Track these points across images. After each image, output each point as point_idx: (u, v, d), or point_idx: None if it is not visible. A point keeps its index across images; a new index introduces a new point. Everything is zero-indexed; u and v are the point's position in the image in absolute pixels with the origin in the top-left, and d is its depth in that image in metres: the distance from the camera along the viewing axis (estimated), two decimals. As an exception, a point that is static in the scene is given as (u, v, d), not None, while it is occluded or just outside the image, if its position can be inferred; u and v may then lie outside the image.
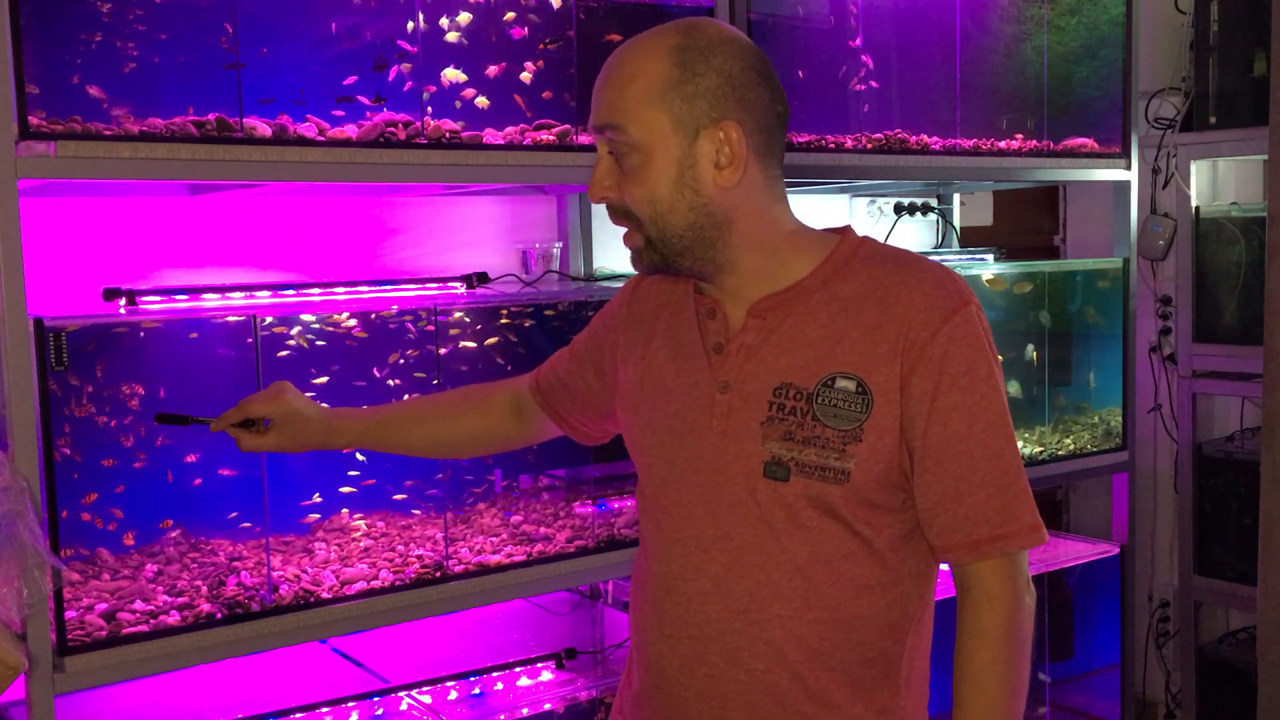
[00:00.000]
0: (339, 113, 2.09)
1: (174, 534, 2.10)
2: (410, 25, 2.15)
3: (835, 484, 1.37)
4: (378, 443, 1.81)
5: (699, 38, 1.38)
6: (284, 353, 2.14)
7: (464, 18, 2.21)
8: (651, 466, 1.50)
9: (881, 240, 1.53)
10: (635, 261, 1.46)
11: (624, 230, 1.44)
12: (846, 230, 1.48)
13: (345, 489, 2.26)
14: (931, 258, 1.72)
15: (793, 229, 1.46)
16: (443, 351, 2.29)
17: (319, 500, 2.24)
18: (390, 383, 2.27)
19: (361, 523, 2.27)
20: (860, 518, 1.39)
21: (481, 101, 2.23)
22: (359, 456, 2.26)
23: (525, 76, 2.29)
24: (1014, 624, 1.39)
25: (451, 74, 2.19)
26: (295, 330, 2.15)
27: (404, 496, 2.31)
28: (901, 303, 1.38)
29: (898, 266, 1.42)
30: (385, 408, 1.87)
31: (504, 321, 2.39)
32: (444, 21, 2.18)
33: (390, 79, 2.13)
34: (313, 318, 2.18)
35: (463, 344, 2.33)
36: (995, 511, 1.38)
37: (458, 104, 2.21)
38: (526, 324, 2.42)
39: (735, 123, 1.37)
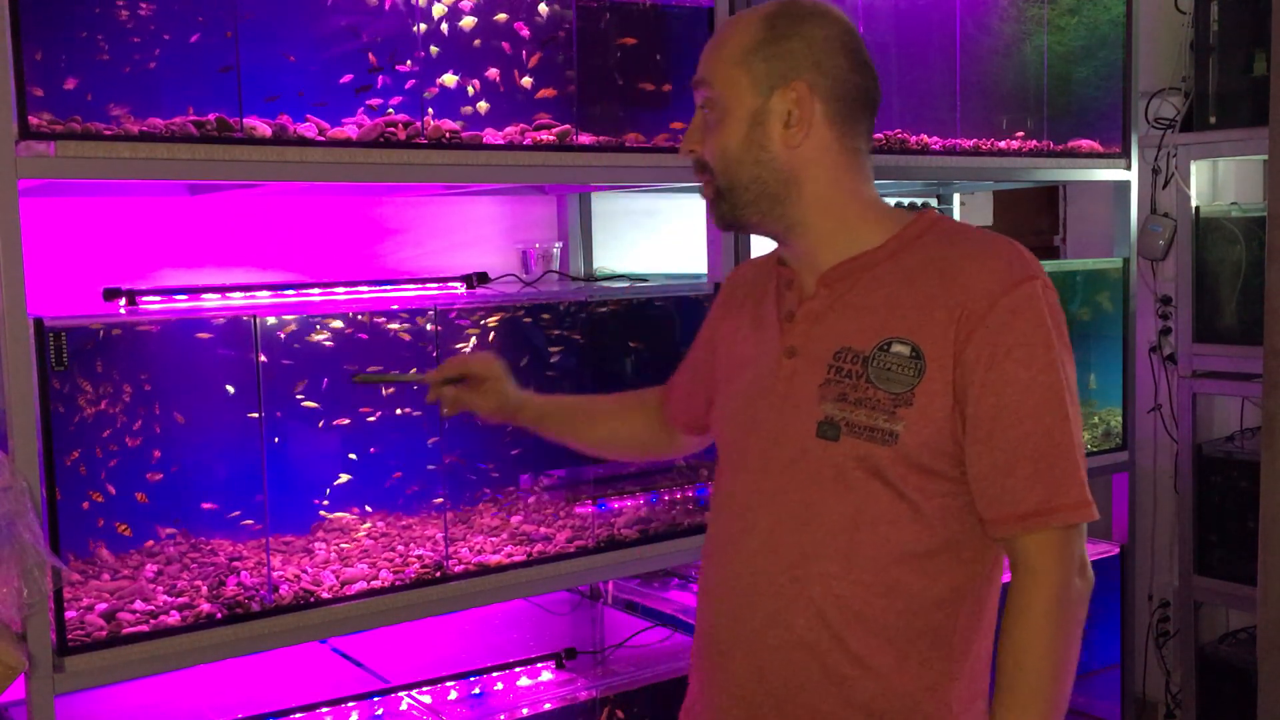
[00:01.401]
0: (361, 108, 2.09)
1: (175, 534, 2.10)
2: (421, 27, 2.15)
3: (883, 445, 1.40)
4: (550, 429, 1.93)
5: (794, 7, 1.48)
6: (288, 359, 2.14)
7: (468, 22, 2.21)
8: (723, 433, 1.58)
9: None
10: (710, 215, 1.54)
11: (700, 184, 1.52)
12: (926, 210, 1.52)
13: (344, 477, 2.27)
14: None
15: (868, 202, 1.51)
16: (459, 346, 2.30)
17: (327, 502, 2.24)
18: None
19: (366, 527, 2.27)
20: (908, 481, 1.41)
21: (482, 106, 2.23)
22: (350, 456, 2.26)
23: (526, 81, 2.29)
24: (1060, 604, 1.38)
25: (450, 79, 2.20)
26: (293, 330, 2.15)
27: (416, 483, 2.31)
28: (964, 273, 1.40)
29: (965, 240, 1.46)
30: (561, 398, 2.00)
31: (548, 320, 2.39)
32: (444, 27, 2.18)
33: (379, 85, 2.13)
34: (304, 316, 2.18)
35: (466, 344, 2.33)
36: (1043, 485, 1.38)
37: (468, 109, 2.21)
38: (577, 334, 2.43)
39: (805, 83, 1.44)
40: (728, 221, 1.52)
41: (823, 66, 1.44)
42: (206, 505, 2.11)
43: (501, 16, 2.25)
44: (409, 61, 2.15)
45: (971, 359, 1.38)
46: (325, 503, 2.25)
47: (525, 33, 2.28)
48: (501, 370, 1.87)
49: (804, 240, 1.50)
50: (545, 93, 2.32)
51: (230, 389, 2.08)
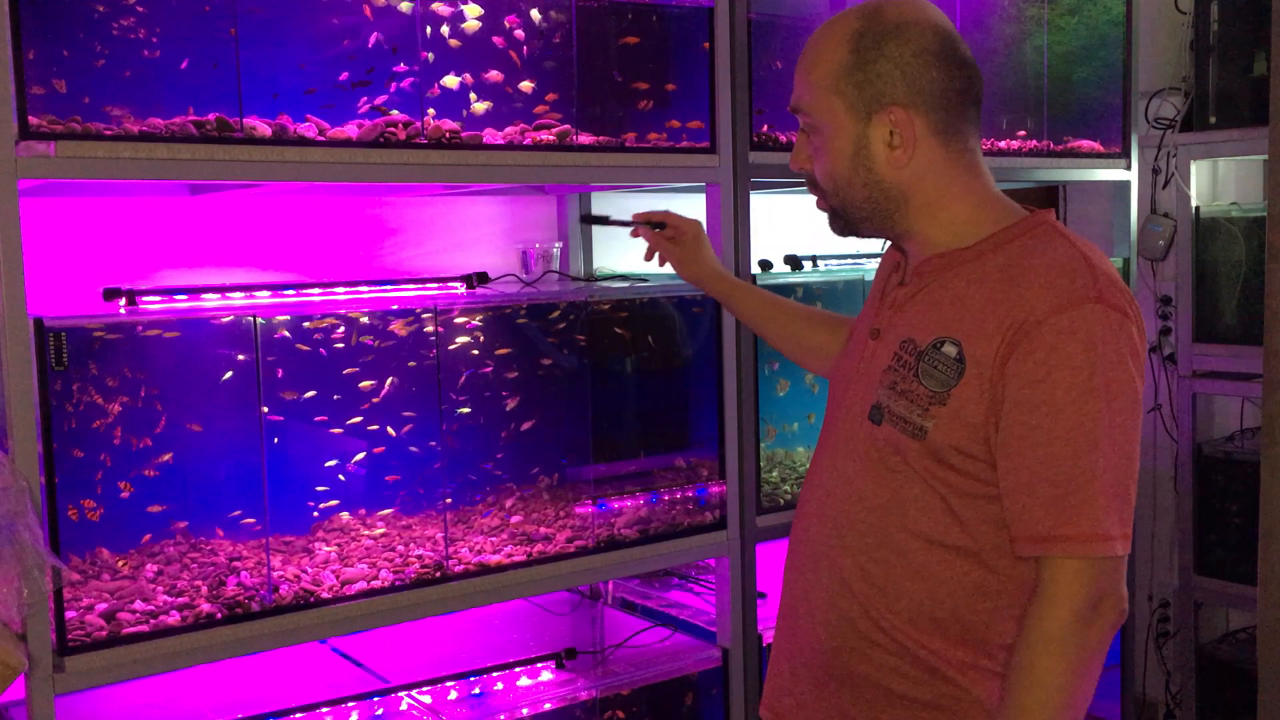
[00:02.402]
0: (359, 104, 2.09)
1: (176, 532, 2.10)
2: (427, 30, 2.15)
3: (912, 438, 1.44)
4: (741, 310, 2.09)
5: (876, 24, 1.46)
6: (277, 354, 2.14)
7: (471, 25, 2.21)
8: (828, 401, 1.66)
9: None
10: (830, 225, 1.60)
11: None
12: (1038, 212, 1.51)
13: (341, 476, 2.27)
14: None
15: (981, 200, 1.51)
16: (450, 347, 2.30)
17: (334, 502, 2.24)
18: (390, 382, 2.27)
19: (379, 533, 2.27)
20: (935, 475, 1.44)
21: (478, 107, 2.23)
22: (352, 461, 2.26)
23: (526, 86, 2.29)
24: (1067, 633, 1.36)
25: (452, 81, 2.19)
26: (292, 329, 2.15)
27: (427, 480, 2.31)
28: (1027, 285, 1.40)
29: (1045, 250, 1.44)
30: (759, 288, 2.10)
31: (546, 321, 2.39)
32: (445, 29, 2.18)
33: (365, 99, 2.12)
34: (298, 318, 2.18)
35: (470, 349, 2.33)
36: (1056, 511, 1.37)
37: (468, 112, 2.21)
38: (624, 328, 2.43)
39: (902, 107, 1.45)
40: (845, 233, 1.58)
41: (916, 84, 1.45)
42: (206, 505, 2.11)
43: (488, 17, 2.25)
44: (408, 63, 2.15)
45: (1013, 372, 1.38)
46: (326, 505, 2.25)
47: (526, 33, 2.28)
48: (701, 233, 2.10)
49: (914, 241, 1.54)
50: (547, 98, 2.32)
51: (227, 378, 2.08)
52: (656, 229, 2.12)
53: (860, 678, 1.50)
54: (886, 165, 1.48)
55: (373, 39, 2.12)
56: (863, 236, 1.59)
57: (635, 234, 2.15)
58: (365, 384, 2.24)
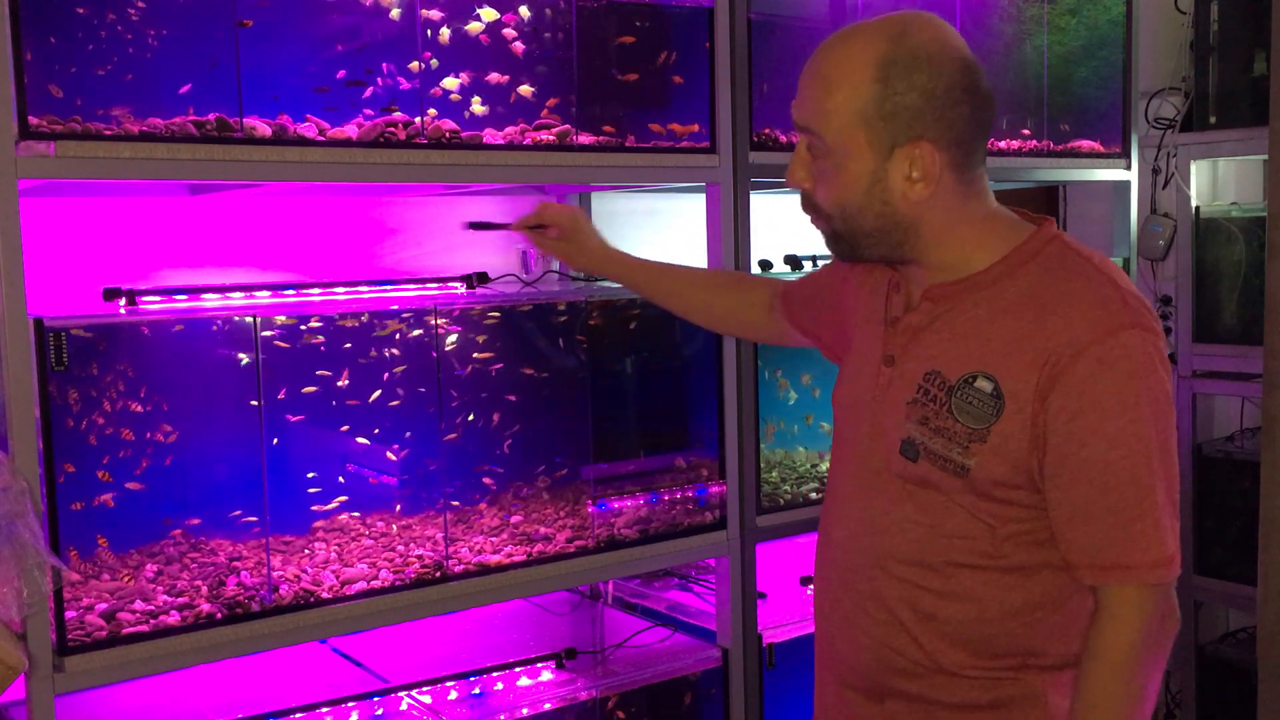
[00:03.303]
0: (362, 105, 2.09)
1: (175, 533, 2.10)
2: (430, 32, 2.14)
3: (954, 476, 1.41)
4: (641, 286, 2.02)
5: (905, 50, 1.37)
6: (272, 349, 2.14)
7: (474, 27, 2.21)
8: (836, 415, 1.63)
9: None
10: (829, 246, 1.53)
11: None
12: (1044, 224, 1.48)
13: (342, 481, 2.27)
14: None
15: (984, 220, 1.47)
16: (447, 349, 2.30)
17: (338, 502, 2.24)
18: (392, 384, 2.27)
19: (380, 526, 2.27)
20: (980, 508, 1.42)
21: (478, 109, 2.23)
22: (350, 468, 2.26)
23: (526, 90, 2.29)
24: (1138, 651, 1.38)
25: (452, 83, 2.19)
26: (292, 329, 2.15)
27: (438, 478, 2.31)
28: (1058, 314, 1.37)
29: (1069, 275, 1.41)
30: (654, 261, 2.03)
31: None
32: (445, 32, 2.18)
33: (366, 95, 2.12)
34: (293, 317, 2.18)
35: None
36: (1120, 541, 1.36)
37: (467, 114, 2.21)
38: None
39: (930, 142, 1.39)
40: (846, 258, 1.53)
41: (946, 119, 1.38)
42: (207, 505, 2.11)
43: (500, 18, 2.25)
44: (408, 63, 2.15)
45: (1056, 407, 1.35)
46: (324, 506, 2.25)
47: (526, 33, 2.28)
48: (580, 222, 2.00)
49: (919, 267, 1.49)
50: (549, 102, 2.32)
51: (227, 378, 2.07)
52: (537, 229, 2.03)
53: (914, 695, 1.50)
54: (902, 199, 1.41)
55: (373, 39, 2.13)
56: (863, 260, 1.53)
57: (517, 230, 2.05)
58: (363, 380, 2.24)
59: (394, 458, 2.31)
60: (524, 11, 2.27)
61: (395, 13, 2.13)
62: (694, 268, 2.07)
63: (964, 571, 1.44)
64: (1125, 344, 1.35)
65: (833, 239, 1.50)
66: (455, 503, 2.34)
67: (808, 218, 1.53)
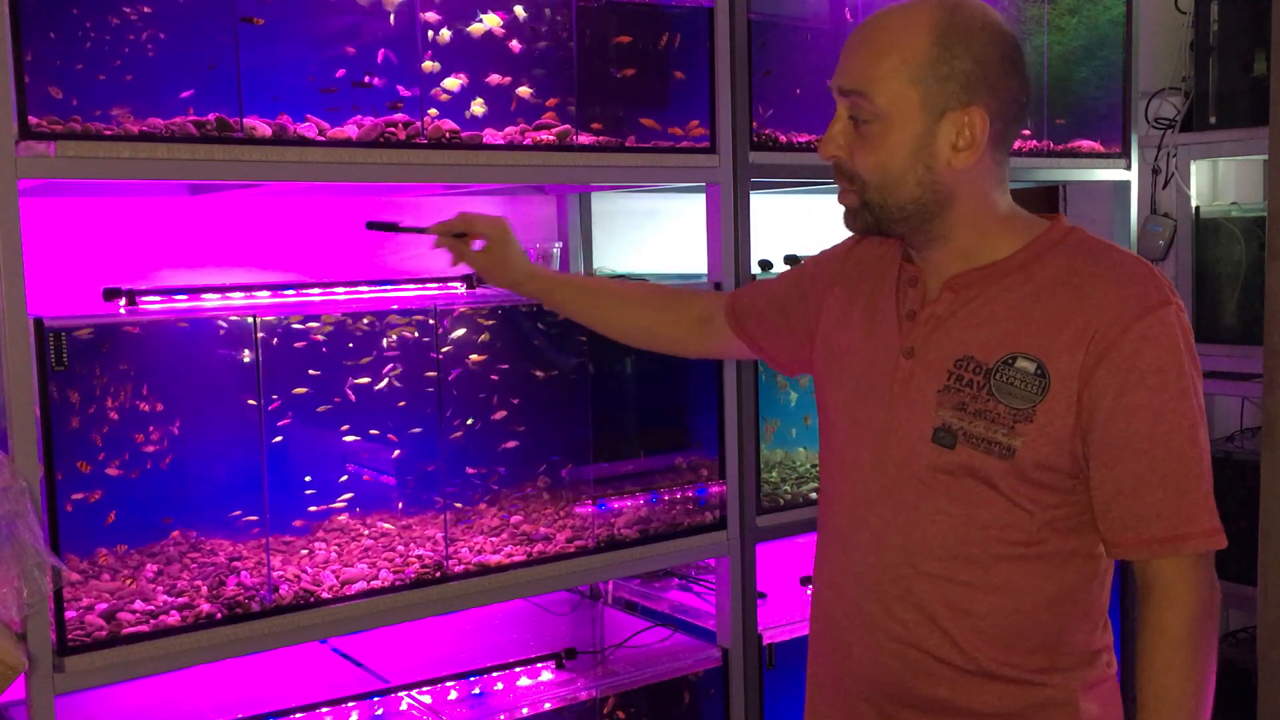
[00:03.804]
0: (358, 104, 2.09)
1: (175, 533, 2.10)
2: (431, 34, 2.14)
3: (999, 459, 1.40)
4: (563, 304, 1.96)
5: (962, 19, 1.39)
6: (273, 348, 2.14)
7: (477, 29, 2.21)
8: (836, 423, 1.58)
9: None
10: (847, 220, 1.50)
11: (839, 190, 1.48)
12: (1058, 218, 1.50)
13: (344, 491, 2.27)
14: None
15: (1007, 212, 1.49)
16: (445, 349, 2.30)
17: (341, 502, 2.24)
18: (394, 382, 2.27)
19: (380, 526, 2.27)
20: (1021, 493, 1.42)
21: (478, 110, 2.23)
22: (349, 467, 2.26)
23: (525, 91, 2.29)
24: (1197, 624, 1.39)
25: (453, 84, 2.19)
26: (292, 329, 2.15)
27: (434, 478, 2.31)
28: (1096, 294, 1.39)
29: (1097, 257, 1.43)
30: (577, 275, 1.98)
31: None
32: (445, 33, 2.18)
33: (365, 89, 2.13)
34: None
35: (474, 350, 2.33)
36: (1172, 512, 1.38)
37: (467, 114, 2.21)
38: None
39: (982, 109, 1.39)
40: (867, 230, 1.49)
41: (997, 89, 1.40)
42: (206, 505, 2.11)
43: (500, 18, 2.25)
44: (408, 62, 2.15)
45: (1101, 384, 1.37)
46: (322, 507, 2.25)
47: (526, 32, 2.28)
48: (506, 234, 1.92)
49: (942, 250, 1.48)
50: (548, 103, 2.32)
51: (227, 378, 2.07)
52: (458, 238, 1.94)
53: (939, 702, 1.48)
54: (947, 167, 1.41)
55: (374, 39, 2.13)
56: (889, 236, 1.50)
57: (437, 246, 1.96)
58: (363, 380, 2.24)
59: (397, 448, 2.31)
60: (520, 11, 2.27)
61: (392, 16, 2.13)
62: (628, 283, 2.01)
63: (1000, 561, 1.44)
64: (1165, 319, 1.37)
65: (860, 209, 1.46)
66: (457, 504, 2.34)
67: (835, 190, 1.51)
